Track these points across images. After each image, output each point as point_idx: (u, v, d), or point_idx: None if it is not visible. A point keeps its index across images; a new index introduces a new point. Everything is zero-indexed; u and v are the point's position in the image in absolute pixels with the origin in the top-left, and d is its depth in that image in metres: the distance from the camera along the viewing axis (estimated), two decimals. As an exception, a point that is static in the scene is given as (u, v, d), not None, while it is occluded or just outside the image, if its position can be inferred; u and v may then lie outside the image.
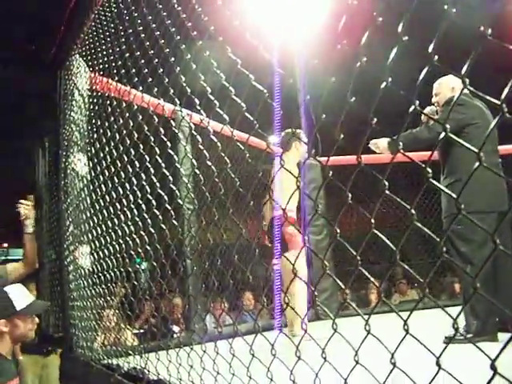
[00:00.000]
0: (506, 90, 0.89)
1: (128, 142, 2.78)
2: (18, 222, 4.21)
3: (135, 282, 3.29)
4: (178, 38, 2.23)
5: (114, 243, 3.22)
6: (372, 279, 1.26)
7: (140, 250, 2.81)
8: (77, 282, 3.79)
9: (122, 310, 4.21)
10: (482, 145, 0.94)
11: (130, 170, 2.77)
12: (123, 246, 3.09)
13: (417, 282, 8.60)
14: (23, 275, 4.54)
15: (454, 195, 1.01)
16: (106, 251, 3.34)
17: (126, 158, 2.82)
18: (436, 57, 1.08)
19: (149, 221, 2.63)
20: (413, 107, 1.10)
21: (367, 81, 1.25)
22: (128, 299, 3.26)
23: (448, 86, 3.90)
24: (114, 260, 3.22)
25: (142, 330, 7.01)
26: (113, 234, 3.22)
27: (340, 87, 1.33)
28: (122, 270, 3.35)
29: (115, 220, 3.15)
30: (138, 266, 3.69)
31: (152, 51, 2.47)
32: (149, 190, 2.57)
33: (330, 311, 5.70)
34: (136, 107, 2.76)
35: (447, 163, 3.79)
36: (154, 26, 2.48)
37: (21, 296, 3.26)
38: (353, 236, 7.72)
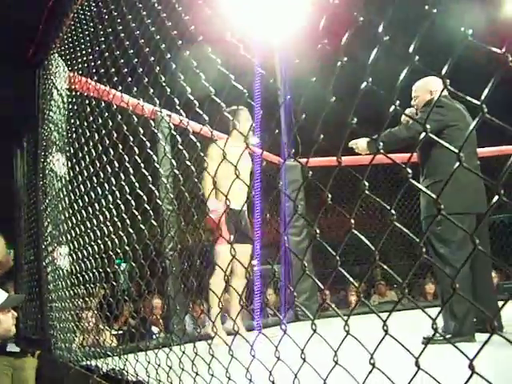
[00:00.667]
0: (486, 90, 0.89)
1: (107, 142, 2.76)
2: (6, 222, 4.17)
3: (114, 283, 3.27)
4: (158, 37, 2.22)
5: (92, 244, 3.20)
6: (351, 279, 1.26)
7: (119, 251, 2.80)
8: (55, 283, 3.76)
9: (101, 311, 4.19)
10: (462, 146, 0.95)
11: (109, 170, 2.75)
12: (102, 246, 3.07)
13: (396, 284, 8.67)
14: None
15: (434, 196, 1.01)
16: (84, 252, 3.32)
17: (104, 158, 2.81)
18: (417, 57, 1.08)
19: (127, 221, 2.62)
20: (393, 107, 1.10)
21: (348, 81, 1.25)
22: (107, 300, 3.24)
23: (426, 89, 3.92)
24: (92, 261, 3.20)
25: (121, 331, 6.98)
26: (92, 234, 3.20)
27: (321, 87, 1.33)
28: (101, 270, 3.33)
29: (94, 220, 3.13)
30: (117, 267, 3.68)
31: (131, 51, 2.45)
32: (127, 191, 2.55)
33: (310, 312, 5.71)
34: (115, 107, 2.74)
35: (426, 165, 3.80)
36: (133, 25, 2.46)
37: None
38: (335, 238, 7.76)
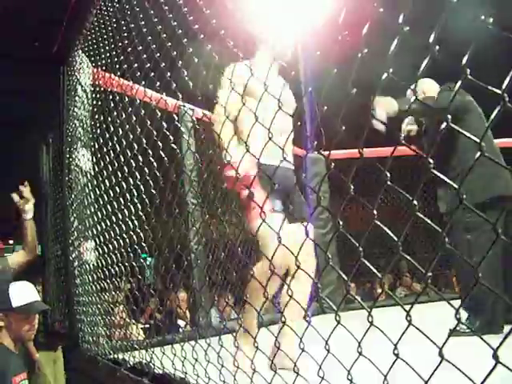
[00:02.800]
0: (507, 79, 0.89)
1: (131, 136, 2.78)
2: (35, 218, 4.21)
3: (140, 277, 3.29)
4: (180, 31, 2.23)
5: (118, 238, 3.23)
6: (374, 270, 1.26)
7: (144, 245, 2.82)
8: (82, 278, 3.80)
9: (128, 305, 4.22)
10: (484, 133, 0.94)
11: (134, 164, 2.77)
12: (128, 240, 3.09)
13: (421, 276, 8.61)
14: (26, 263, 4.54)
15: (456, 186, 1.01)
16: (110, 246, 3.35)
17: (129, 153, 2.83)
18: (437, 47, 1.08)
19: (152, 215, 2.64)
20: (413, 98, 1.10)
21: (370, 72, 1.25)
22: (133, 294, 3.27)
23: (420, 89, 3.92)
24: (119, 255, 3.22)
25: (147, 325, 7.04)
26: (117, 228, 3.23)
27: (343, 79, 1.33)
28: (126, 265, 3.36)
29: (119, 215, 3.15)
30: (142, 261, 3.70)
31: (154, 45, 2.46)
32: (152, 185, 2.57)
33: (335, 305, 5.71)
34: (139, 102, 2.76)
35: (451, 154, 3.74)
36: (155, 20, 2.48)
37: (21, 294, 3.27)
38: (361, 231, 7.72)
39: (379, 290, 7.80)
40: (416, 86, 3.94)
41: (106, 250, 3.47)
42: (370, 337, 1.24)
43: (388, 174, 1.14)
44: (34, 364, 4.28)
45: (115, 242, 3.27)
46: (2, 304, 3.18)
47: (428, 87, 3.90)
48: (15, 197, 4.27)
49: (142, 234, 2.80)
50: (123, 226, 3.10)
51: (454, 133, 3.32)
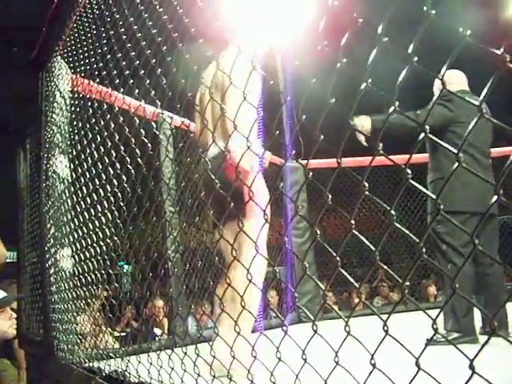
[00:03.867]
0: (484, 92, 0.90)
1: (109, 143, 2.77)
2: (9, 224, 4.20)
3: (117, 285, 3.28)
4: (160, 39, 2.22)
5: (95, 245, 3.21)
6: (352, 280, 1.26)
7: (121, 252, 2.80)
8: (58, 285, 3.76)
9: (104, 313, 4.18)
10: (461, 146, 0.95)
11: (111, 171, 2.76)
12: (104, 248, 3.07)
13: (398, 285, 8.66)
14: None
15: (433, 196, 1.01)
16: (87, 253, 3.33)
17: (106, 160, 2.82)
18: (416, 58, 1.08)
19: (130, 223, 2.63)
20: (392, 108, 1.10)
21: (349, 82, 1.26)
22: (109, 302, 3.24)
23: (437, 84, 3.92)
24: (95, 262, 3.20)
25: (123, 333, 6.99)
26: (94, 236, 3.21)
27: (322, 88, 1.33)
28: (103, 272, 3.33)
29: (96, 222, 3.14)
30: (119, 269, 3.68)
31: (133, 53, 2.46)
32: (130, 192, 2.56)
33: (313, 314, 5.71)
34: (117, 109, 2.75)
35: (432, 158, 3.83)
36: (135, 27, 2.47)
37: None
38: (338, 240, 7.76)
39: (356, 300, 7.82)
40: (434, 86, 3.96)
41: (82, 257, 3.45)
42: (347, 346, 1.24)
43: (366, 184, 1.14)
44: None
45: (92, 249, 3.25)
46: None
47: (450, 78, 3.80)
48: None
49: (118, 242, 2.79)
50: (100, 233, 3.09)
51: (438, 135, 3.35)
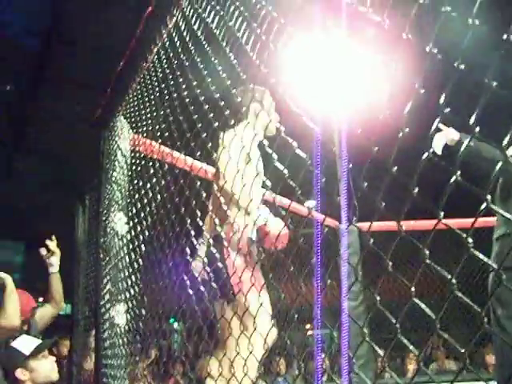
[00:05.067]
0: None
1: (169, 204, 2.82)
2: (65, 277, 4.33)
3: (167, 342, 3.30)
4: (222, 103, 2.29)
5: (148, 303, 3.25)
6: (412, 347, 1.25)
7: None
8: (111, 340, 3.79)
9: (155, 370, 4.17)
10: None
11: (170, 232, 2.81)
12: (157, 306, 3.11)
13: (455, 352, 8.41)
14: (51, 317, 4.69)
15: (490, 262, 1.00)
16: (141, 310, 3.37)
17: (166, 220, 2.87)
18: (477, 128, 1.09)
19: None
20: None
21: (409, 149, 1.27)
22: (160, 359, 3.26)
23: None
24: (148, 319, 3.23)
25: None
26: (148, 294, 3.25)
27: (381, 155, 1.35)
28: (156, 329, 3.37)
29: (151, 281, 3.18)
30: (170, 326, 3.70)
31: (196, 116, 2.53)
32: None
33: (368, 379, 5.59)
34: (178, 170, 2.81)
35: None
36: (198, 91, 2.55)
37: (25, 343, 3.55)
38: (390, 301, 7.63)
39: (411, 366, 7.62)
40: None
41: (136, 314, 3.49)
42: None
43: (427, 253, 1.14)
44: None
45: (145, 307, 3.28)
46: (18, 357, 3.43)
47: None
48: (42, 250, 4.39)
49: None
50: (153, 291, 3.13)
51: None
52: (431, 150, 1.08)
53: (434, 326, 1.12)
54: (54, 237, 4.67)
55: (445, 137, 3.52)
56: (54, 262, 4.57)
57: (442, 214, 1.19)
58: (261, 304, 2.15)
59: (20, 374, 3.36)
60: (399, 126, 1.27)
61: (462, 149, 1.35)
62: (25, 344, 3.50)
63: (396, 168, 1.27)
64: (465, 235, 1.06)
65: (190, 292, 2.50)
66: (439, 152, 3.50)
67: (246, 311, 2.29)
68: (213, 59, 2.46)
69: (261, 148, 1.98)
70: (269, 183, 1.84)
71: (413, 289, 1.17)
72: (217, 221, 2.65)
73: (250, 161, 2.19)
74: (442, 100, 1.19)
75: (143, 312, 3.36)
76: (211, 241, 2.72)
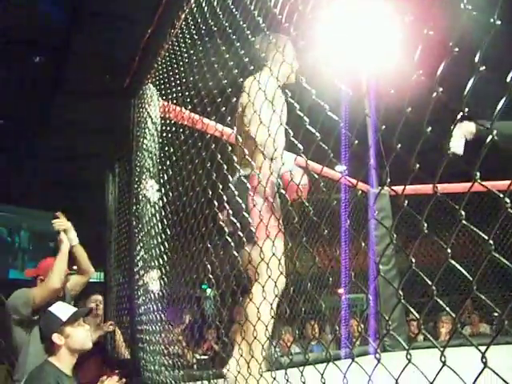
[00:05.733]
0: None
1: (200, 170, 2.83)
2: (97, 244, 4.42)
3: (201, 308, 3.33)
4: (252, 68, 2.28)
5: (181, 269, 3.28)
6: (449, 311, 1.24)
7: (205, 277, 2.84)
8: (146, 307, 3.85)
9: (188, 336, 4.22)
10: None
11: (202, 198, 2.81)
12: (191, 272, 3.13)
13: (488, 316, 8.40)
14: (83, 284, 4.83)
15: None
16: (174, 277, 3.41)
17: (197, 187, 2.87)
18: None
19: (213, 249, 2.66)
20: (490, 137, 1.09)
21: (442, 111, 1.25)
22: (194, 325, 3.30)
23: None
24: (182, 286, 3.27)
25: (205, 356, 7.05)
26: (182, 260, 3.28)
27: (416, 116, 1.33)
28: (189, 295, 3.40)
29: (185, 247, 3.21)
30: (203, 292, 3.74)
31: (225, 81, 2.51)
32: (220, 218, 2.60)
33: (398, 343, 5.61)
34: (209, 136, 2.81)
35: None
36: (227, 56, 2.53)
37: (63, 309, 3.66)
38: (422, 265, 7.60)
39: (443, 329, 7.60)
40: None
41: (169, 280, 3.54)
42: (438, 378, 1.22)
43: (463, 213, 1.13)
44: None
45: (178, 273, 3.32)
46: (56, 322, 3.54)
47: None
48: (56, 226, 4.50)
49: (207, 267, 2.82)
50: (187, 258, 3.15)
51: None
52: (451, 151, 1.06)
53: (468, 288, 1.12)
54: (58, 213, 4.75)
55: (463, 133, 3.52)
56: (72, 236, 4.66)
57: (478, 174, 1.17)
58: (273, 254, 2.21)
59: (56, 338, 3.47)
60: (432, 86, 1.25)
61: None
62: (62, 310, 3.60)
63: (430, 129, 1.26)
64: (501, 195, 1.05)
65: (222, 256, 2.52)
66: (461, 152, 3.49)
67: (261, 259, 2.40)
68: (241, 23, 2.44)
69: (285, 95, 1.96)
70: (300, 146, 1.83)
71: (449, 250, 1.16)
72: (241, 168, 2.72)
73: (274, 108, 2.19)
74: (477, 58, 1.16)
75: (176, 278, 3.39)
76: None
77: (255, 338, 2.42)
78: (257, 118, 2.39)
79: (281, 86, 2.60)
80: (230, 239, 2.50)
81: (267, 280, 2.34)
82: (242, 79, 2.38)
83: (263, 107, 2.41)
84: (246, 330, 2.60)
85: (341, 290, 4.83)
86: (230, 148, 2.50)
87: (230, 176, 2.54)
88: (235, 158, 2.58)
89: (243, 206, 2.55)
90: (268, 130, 2.36)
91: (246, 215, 2.51)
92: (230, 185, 2.56)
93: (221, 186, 2.53)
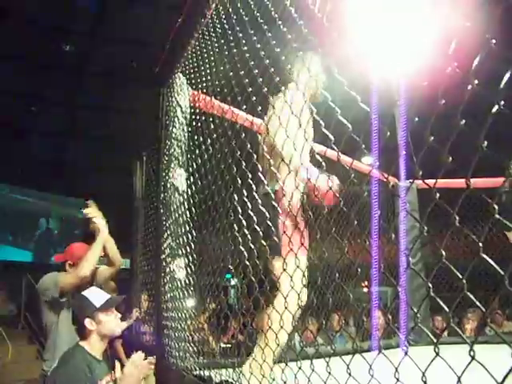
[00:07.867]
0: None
1: (229, 160, 2.83)
2: (124, 232, 4.46)
3: (224, 297, 3.36)
4: (283, 58, 2.28)
5: (207, 258, 3.30)
6: (480, 305, 1.24)
7: (230, 266, 2.86)
8: (172, 294, 3.88)
9: (213, 324, 4.25)
10: None
11: (230, 188, 2.82)
12: (216, 261, 3.15)
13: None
14: (110, 276, 4.89)
15: None
16: (200, 265, 3.43)
17: (226, 176, 2.88)
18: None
19: (248, 237, 2.67)
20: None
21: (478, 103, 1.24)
22: (218, 314, 3.32)
23: None
24: (207, 274, 3.29)
25: (229, 345, 7.09)
26: (208, 249, 3.30)
27: (448, 110, 1.32)
28: (214, 284, 3.42)
29: (211, 236, 3.23)
30: (227, 282, 3.75)
31: (256, 71, 2.51)
32: (250, 207, 2.61)
33: (423, 337, 5.59)
34: (239, 126, 2.81)
35: None
36: (258, 46, 2.53)
37: (97, 295, 3.71)
38: (448, 259, 7.52)
39: (467, 325, 7.55)
40: None
41: (195, 269, 3.56)
42: (466, 373, 1.21)
43: (496, 207, 1.12)
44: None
45: (204, 262, 3.34)
46: (89, 308, 3.59)
47: None
48: (88, 214, 4.54)
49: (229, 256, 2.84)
50: (213, 247, 3.17)
51: None
52: None
53: (497, 284, 1.11)
54: (90, 202, 4.79)
55: None
56: (102, 226, 4.70)
57: None
58: (297, 266, 2.24)
59: (88, 323, 3.53)
60: (467, 79, 1.24)
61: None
62: (95, 296, 3.65)
63: (464, 122, 1.25)
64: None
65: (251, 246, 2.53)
66: None
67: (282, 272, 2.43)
68: (272, 13, 2.43)
69: (311, 111, 1.99)
70: (331, 137, 1.82)
71: (480, 244, 1.16)
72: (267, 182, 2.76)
73: (300, 125, 2.23)
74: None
75: (202, 267, 3.41)
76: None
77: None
78: (283, 131, 2.44)
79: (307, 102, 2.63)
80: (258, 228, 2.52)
81: (289, 291, 2.37)
82: (273, 69, 2.36)
83: (289, 124, 2.45)
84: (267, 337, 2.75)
85: (366, 283, 4.80)
86: (259, 137, 2.52)
87: (254, 185, 2.58)
88: (260, 168, 2.61)
89: (269, 223, 2.59)
90: (293, 145, 2.44)
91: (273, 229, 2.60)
92: (255, 195, 2.58)
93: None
